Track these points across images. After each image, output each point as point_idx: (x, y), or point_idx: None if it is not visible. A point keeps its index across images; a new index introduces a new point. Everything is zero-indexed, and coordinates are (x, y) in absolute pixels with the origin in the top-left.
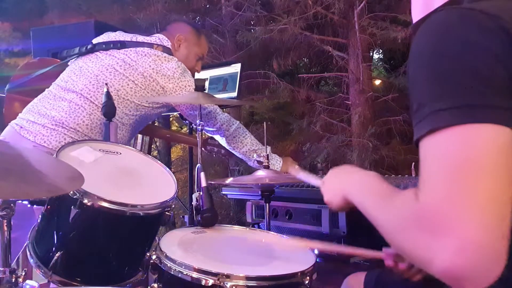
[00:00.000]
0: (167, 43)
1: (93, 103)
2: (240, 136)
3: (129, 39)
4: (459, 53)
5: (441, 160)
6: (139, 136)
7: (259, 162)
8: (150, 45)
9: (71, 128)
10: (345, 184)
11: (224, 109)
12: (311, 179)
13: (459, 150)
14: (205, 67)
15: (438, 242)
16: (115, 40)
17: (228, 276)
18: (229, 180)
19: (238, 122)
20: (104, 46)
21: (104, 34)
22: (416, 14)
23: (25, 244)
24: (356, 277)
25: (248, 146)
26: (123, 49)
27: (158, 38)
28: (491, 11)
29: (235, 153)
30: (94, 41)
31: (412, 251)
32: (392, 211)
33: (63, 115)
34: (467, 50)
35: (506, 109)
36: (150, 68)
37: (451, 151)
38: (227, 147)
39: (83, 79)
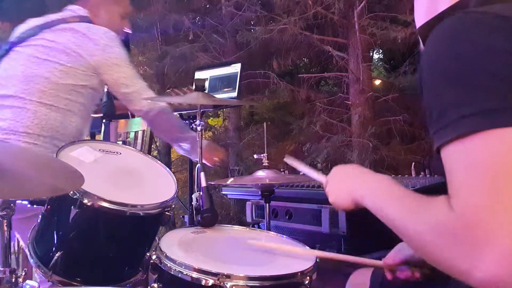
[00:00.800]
0: (83, 12)
1: (32, 100)
2: (160, 121)
3: (42, 22)
4: (480, 57)
5: (473, 167)
6: (139, 136)
7: (186, 151)
8: (64, 21)
9: (22, 132)
10: (358, 187)
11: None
12: (312, 173)
13: (491, 156)
14: (205, 67)
15: (478, 252)
16: (28, 29)
17: (228, 276)
18: (229, 180)
19: (161, 106)
20: (19, 39)
21: (16, 28)
22: (420, 17)
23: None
24: (361, 275)
25: (167, 132)
26: (38, 34)
27: (70, 10)
28: (504, 13)
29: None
30: (10, 39)
31: (447, 262)
32: (422, 220)
33: (9, 122)
34: (487, 54)
35: None
36: (70, 43)
37: (483, 158)
38: (154, 132)
39: (12, 80)
